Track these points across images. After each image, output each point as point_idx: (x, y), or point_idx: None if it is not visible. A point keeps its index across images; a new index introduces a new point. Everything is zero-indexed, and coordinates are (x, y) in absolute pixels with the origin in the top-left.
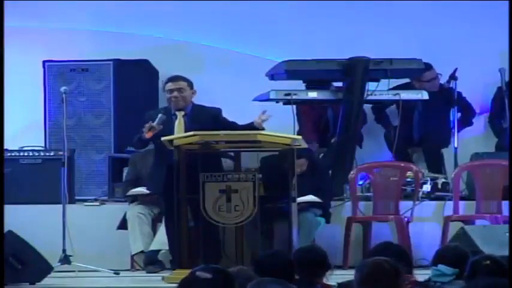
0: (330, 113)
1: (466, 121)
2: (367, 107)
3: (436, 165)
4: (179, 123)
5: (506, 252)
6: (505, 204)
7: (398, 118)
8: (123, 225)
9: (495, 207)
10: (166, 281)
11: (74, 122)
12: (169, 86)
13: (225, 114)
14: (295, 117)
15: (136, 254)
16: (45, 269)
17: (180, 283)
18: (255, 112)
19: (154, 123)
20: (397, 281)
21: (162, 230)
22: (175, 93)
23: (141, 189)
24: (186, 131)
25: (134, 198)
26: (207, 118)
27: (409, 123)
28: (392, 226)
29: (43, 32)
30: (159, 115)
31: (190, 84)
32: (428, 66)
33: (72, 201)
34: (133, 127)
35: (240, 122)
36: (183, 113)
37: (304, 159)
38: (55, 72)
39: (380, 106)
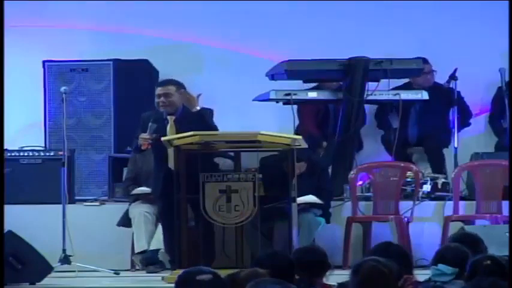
0: (331, 106)
1: (463, 122)
2: (368, 111)
3: (438, 165)
4: (171, 128)
5: (506, 252)
6: (505, 204)
7: (398, 119)
8: (123, 222)
9: (495, 207)
10: (167, 281)
11: (74, 122)
12: (158, 90)
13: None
14: (295, 114)
15: (139, 252)
16: (45, 269)
17: (176, 284)
18: (255, 112)
19: (147, 134)
20: (394, 282)
21: (161, 229)
22: (161, 99)
23: (144, 189)
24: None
25: (136, 197)
26: (195, 120)
27: (406, 123)
28: (392, 226)
29: (43, 32)
30: (150, 124)
31: (180, 87)
32: (424, 61)
33: (72, 201)
34: (133, 127)
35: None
36: (173, 117)
37: (302, 162)
38: (55, 72)
39: (382, 112)
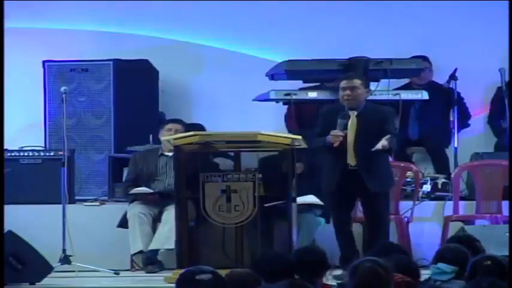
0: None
1: (461, 124)
2: None
3: (442, 165)
4: (352, 123)
5: (506, 252)
6: (505, 204)
7: (398, 119)
8: (123, 223)
9: (495, 207)
10: (167, 281)
11: (74, 122)
12: (343, 84)
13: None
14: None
15: (135, 253)
16: (45, 269)
17: (177, 283)
18: (255, 112)
19: (338, 131)
20: (391, 283)
21: (161, 229)
22: (347, 92)
23: (143, 189)
24: (358, 132)
25: (134, 198)
26: (378, 119)
27: (406, 123)
28: (392, 226)
29: (43, 32)
30: (339, 121)
31: (365, 83)
32: (424, 58)
33: (72, 201)
34: (133, 127)
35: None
36: (355, 112)
37: (300, 163)
38: (55, 72)
39: None
